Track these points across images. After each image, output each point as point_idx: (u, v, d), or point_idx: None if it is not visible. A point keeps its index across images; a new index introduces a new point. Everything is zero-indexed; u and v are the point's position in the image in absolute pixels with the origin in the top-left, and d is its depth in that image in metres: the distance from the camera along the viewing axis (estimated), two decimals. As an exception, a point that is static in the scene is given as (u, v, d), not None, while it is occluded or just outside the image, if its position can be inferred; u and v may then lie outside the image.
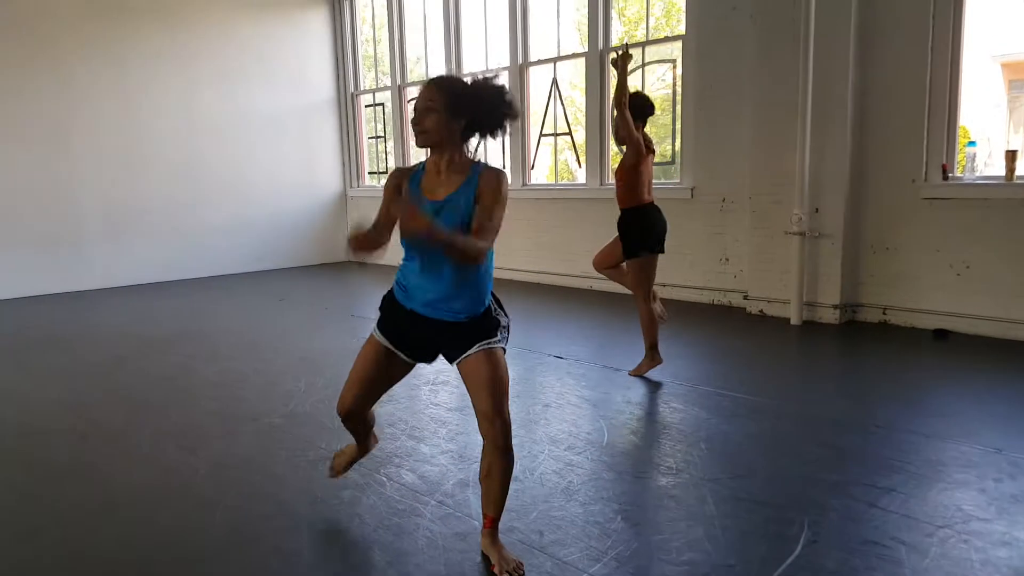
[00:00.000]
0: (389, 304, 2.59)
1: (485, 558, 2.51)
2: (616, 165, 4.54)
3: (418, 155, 10.19)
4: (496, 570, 2.45)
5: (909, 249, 5.81)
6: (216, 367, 5.21)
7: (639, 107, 4.42)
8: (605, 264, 4.73)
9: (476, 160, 2.49)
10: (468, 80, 2.46)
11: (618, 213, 4.54)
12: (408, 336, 2.56)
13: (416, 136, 2.44)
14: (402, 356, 2.59)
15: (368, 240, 2.47)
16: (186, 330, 6.45)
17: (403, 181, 2.51)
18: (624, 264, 4.62)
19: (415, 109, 2.43)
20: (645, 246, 4.47)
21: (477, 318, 2.48)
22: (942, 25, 5.47)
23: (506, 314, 2.58)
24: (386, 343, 2.57)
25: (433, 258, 2.40)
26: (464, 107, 2.39)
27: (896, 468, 3.20)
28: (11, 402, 4.58)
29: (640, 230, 4.46)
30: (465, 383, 2.48)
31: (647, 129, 4.57)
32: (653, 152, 4.53)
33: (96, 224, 8.88)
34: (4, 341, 6.30)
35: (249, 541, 2.75)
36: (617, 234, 4.55)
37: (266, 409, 4.26)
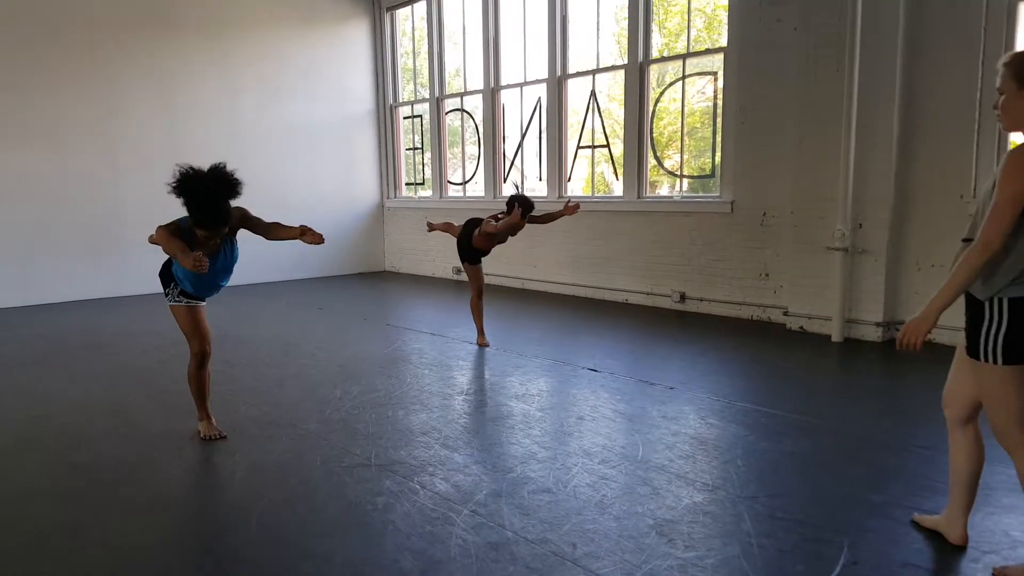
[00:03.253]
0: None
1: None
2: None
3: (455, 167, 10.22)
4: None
5: (955, 266, 5.66)
6: (255, 373, 5.28)
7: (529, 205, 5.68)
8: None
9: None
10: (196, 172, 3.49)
11: None
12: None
13: None
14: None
15: None
16: (225, 336, 6.54)
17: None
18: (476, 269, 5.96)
19: None
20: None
21: None
22: (994, 37, 5.36)
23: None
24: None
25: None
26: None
27: (939, 490, 3.11)
28: (55, 404, 4.69)
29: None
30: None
31: None
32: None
33: (139, 231, 9.01)
34: (50, 345, 6.47)
35: (282, 543, 2.77)
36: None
37: (302, 415, 4.31)
